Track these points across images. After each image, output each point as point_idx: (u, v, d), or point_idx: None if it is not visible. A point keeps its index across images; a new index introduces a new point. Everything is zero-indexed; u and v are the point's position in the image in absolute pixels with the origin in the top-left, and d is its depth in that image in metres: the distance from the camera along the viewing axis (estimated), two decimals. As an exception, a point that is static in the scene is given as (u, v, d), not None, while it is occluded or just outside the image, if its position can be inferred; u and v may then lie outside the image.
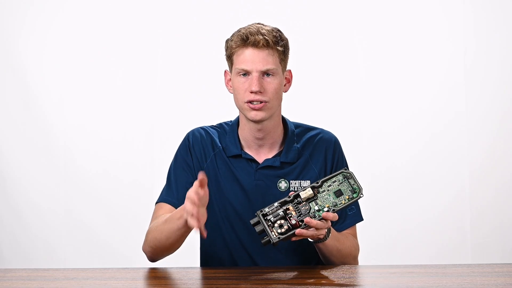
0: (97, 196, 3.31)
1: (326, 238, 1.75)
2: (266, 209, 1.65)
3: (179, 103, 3.32)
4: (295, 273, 1.74)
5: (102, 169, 3.32)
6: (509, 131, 3.21)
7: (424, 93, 3.25)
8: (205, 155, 1.93)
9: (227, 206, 1.89)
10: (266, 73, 1.81)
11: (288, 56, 1.88)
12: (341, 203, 1.67)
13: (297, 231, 1.62)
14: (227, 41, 1.87)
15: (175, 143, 2.00)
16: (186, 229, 1.73)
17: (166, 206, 1.90)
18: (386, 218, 3.21)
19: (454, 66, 3.24)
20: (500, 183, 3.20)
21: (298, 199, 1.67)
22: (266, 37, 1.80)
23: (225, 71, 1.92)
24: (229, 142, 1.92)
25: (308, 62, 3.19)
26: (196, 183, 1.61)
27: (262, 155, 1.91)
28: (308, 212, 1.66)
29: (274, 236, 1.63)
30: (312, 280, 1.63)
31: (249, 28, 1.82)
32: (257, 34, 1.80)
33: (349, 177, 1.69)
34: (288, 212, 1.66)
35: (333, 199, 1.67)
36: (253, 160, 1.90)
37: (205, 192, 1.62)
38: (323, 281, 1.63)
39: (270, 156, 1.91)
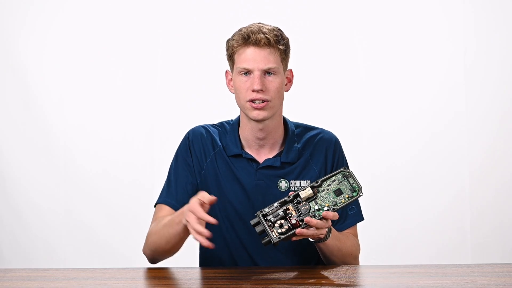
0: (97, 196, 3.31)
1: (327, 238, 1.75)
2: (266, 209, 1.65)
3: (179, 103, 3.32)
4: (295, 273, 1.74)
5: (102, 169, 3.32)
6: (509, 131, 3.21)
7: (424, 93, 3.25)
8: (205, 154, 1.93)
9: (227, 206, 1.89)
10: (267, 72, 1.81)
11: (289, 56, 1.88)
12: (341, 202, 1.67)
13: (298, 230, 1.62)
14: (228, 41, 1.87)
15: (175, 143, 2.00)
16: (185, 234, 1.73)
17: (166, 208, 1.90)
18: (386, 218, 3.21)
19: (454, 66, 3.24)
20: (500, 183, 3.20)
21: (298, 198, 1.67)
22: (268, 36, 1.80)
23: (226, 71, 1.92)
24: (229, 142, 1.92)
25: (308, 62, 3.19)
26: (204, 198, 1.63)
27: (262, 155, 1.91)
28: (308, 212, 1.66)
29: (275, 236, 1.63)
30: (312, 280, 1.63)
31: (250, 27, 1.82)
32: (259, 33, 1.80)
33: (348, 176, 1.69)
34: (288, 212, 1.65)
35: (333, 198, 1.67)
36: (253, 160, 1.90)
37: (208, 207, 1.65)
38: (323, 281, 1.63)
39: (270, 156, 1.91)
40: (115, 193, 3.31)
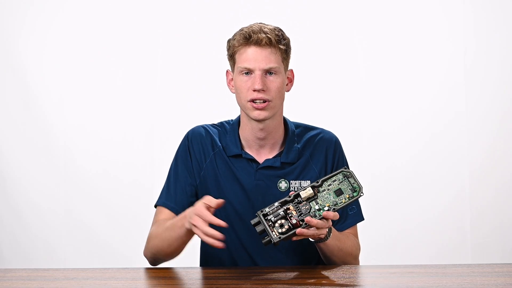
0: (97, 196, 3.31)
1: (327, 238, 1.75)
2: (267, 209, 1.65)
3: (179, 103, 3.32)
4: (296, 273, 1.74)
5: (102, 169, 3.32)
6: (509, 131, 3.21)
7: (424, 93, 3.25)
8: (204, 155, 1.93)
9: (227, 206, 1.89)
10: (268, 71, 1.81)
11: (290, 56, 1.88)
12: (342, 202, 1.67)
13: (298, 230, 1.62)
14: (229, 41, 1.87)
15: (175, 143, 2.00)
16: (187, 237, 1.75)
17: (166, 211, 1.91)
18: (386, 218, 3.21)
19: (454, 66, 3.24)
20: (500, 183, 3.20)
21: (299, 198, 1.67)
22: (269, 36, 1.80)
23: (226, 71, 1.92)
24: (229, 142, 1.92)
25: (308, 62, 3.19)
26: (211, 202, 1.64)
27: (262, 155, 1.91)
28: (309, 212, 1.66)
29: (275, 236, 1.63)
30: (312, 280, 1.63)
31: (252, 27, 1.83)
32: (260, 33, 1.80)
33: (349, 176, 1.69)
34: (288, 211, 1.65)
35: (334, 198, 1.67)
36: (253, 160, 1.90)
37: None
38: (324, 281, 1.63)
39: (270, 156, 1.91)
40: (115, 193, 3.31)
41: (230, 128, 1.95)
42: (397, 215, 3.23)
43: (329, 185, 1.68)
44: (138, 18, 3.33)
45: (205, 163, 1.92)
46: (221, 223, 1.61)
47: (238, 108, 1.90)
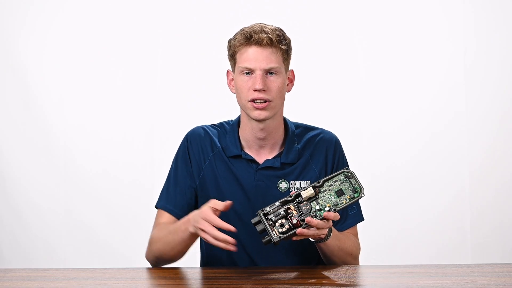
0: (97, 196, 3.31)
1: (328, 238, 1.75)
2: (267, 208, 1.65)
3: (179, 103, 3.32)
4: (296, 273, 1.74)
5: (102, 169, 3.32)
6: (509, 131, 3.21)
7: (424, 93, 3.25)
8: (203, 157, 1.93)
9: (227, 207, 1.89)
10: (269, 71, 1.81)
11: (290, 56, 1.88)
12: (342, 202, 1.67)
13: (298, 230, 1.62)
14: (229, 41, 1.87)
15: (175, 143, 2.00)
16: (191, 241, 1.77)
17: (166, 215, 1.92)
18: (386, 218, 3.21)
19: (454, 66, 3.24)
20: (500, 183, 3.20)
21: (300, 198, 1.67)
22: (270, 36, 1.80)
23: (227, 71, 1.92)
24: (229, 142, 1.92)
25: (308, 62, 3.18)
26: (218, 205, 1.66)
27: (262, 156, 1.91)
28: (309, 212, 1.66)
29: (275, 235, 1.63)
30: (312, 280, 1.63)
31: (253, 27, 1.83)
32: (261, 33, 1.80)
33: (350, 176, 1.69)
34: (289, 211, 1.65)
35: (335, 198, 1.67)
36: (253, 161, 1.90)
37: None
38: (324, 281, 1.63)
39: (270, 156, 1.91)
40: (115, 193, 3.31)
41: (229, 129, 1.94)
42: (397, 215, 3.23)
43: (330, 186, 1.68)
44: (138, 18, 3.33)
45: (204, 165, 1.92)
46: (230, 227, 1.63)
47: (238, 108, 1.90)
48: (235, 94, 1.88)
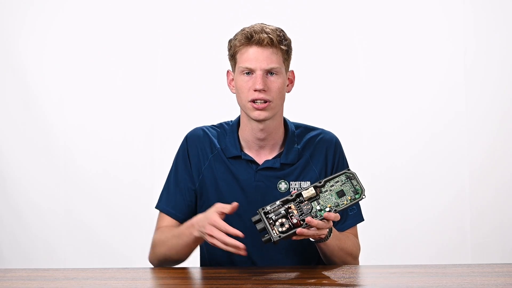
0: (97, 196, 3.31)
1: (328, 238, 1.75)
2: (268, 207, 1.66)
3: (179, 103, 3.32)
4: (296, 273, 1.74)
5: (102, 169, 3.32)
6: (509, 131, 3.21)
7: (424, 93, 3.25)
8: (203, 158, 1.93)
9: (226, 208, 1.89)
10: (270, 71, 1.81)
11: (291, 56, 1.88)
12: (343, 203, 1.66)
13: (298, 230, 1.62)
14: (230, 41, 1.87)
15: (175, 143, 2.00)
16: (195, 244, 1.78)
17: (168, 218, 1.93)
18: (386, 218, 3.21)
19: (454, 66, 3.24)
20: (500, 183, 3.20)
21: (300, 198, 1.67)
22: (271, 36, 1.80)
23: (227, 71, 1.92)
24: (228, 143, 1.92)
25: (308, 62, 3.18)
26: (225, 208, 1.67)
27: (262, 156, 1.91)
28: (310, 212, 1.66)
29: (275, 234, 1.63)
30: (312, 280, 1.63)
31: (253, 27, 1.83)
32: (261, 33, 1.80)
33: (352, 177, 1.68)
34: (289, 211, 1.66)
35: (335, 199, 1.67)
36: (253, 161, 1.90)
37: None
38: (324, 281, 1.63)
39: (270, 157, 1.90)
40: (115, 193, 3.31)
41: (229, 129, 1.94)
42: (397, 215, 3.23)
43: (331, 186, 1.68)
44: (138, 18, 3.33)
45: (203, 166, 1.92)
46: (238, 233, 1.63)
47: (238, 108, 1.90)
48: (235, 94, 1.88)
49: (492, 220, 3.20)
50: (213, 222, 1.65)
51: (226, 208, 1.67)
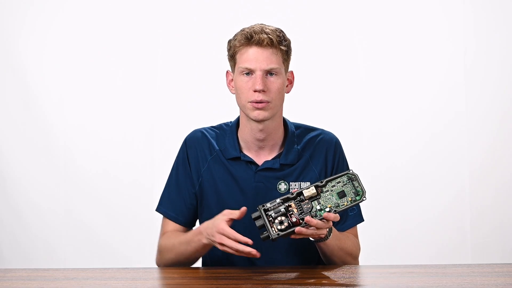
0: (97, 196, 3.30)
1: (328, 238, 1.75)
2: (268, 205, 1.66)
3: (179, 103, 3.32)
4: (296, 273, 1.74)
5: (102, 169, 3.32)
6: (509, 131, 3.21)
7: (424, 93, 3.25)
8: (202, 161, 1.93)
9: (226, 209, 1.88)
10: (269, 72, 1.81)
11: (290, 57, 1.88)
12: (343, 204, 1.66)
13: (297, 229, 1.62)
14: (229, 41, 1.87)
15: (175, 143, 2.00)
16: (205, 250, 1.80)
17: (171, 223, 1.94)
18: (386, 218, 3.21)
19: (454, 66, 3.24)
20: (500, 183, 3.20)
21: (301, 196, 1.67)
22: (270, 36, 1.80)
23: (227, 72, 1.92)
24: (228, 144, 1.92)
25: (308, 62, 3.18)
26: (233, 214, 1.68)
27: (262, 157, 1.91)
28: (310, 211, 1.66)
29: (274, 232, 1.63)
30: (312, 280, 1.63)
31: (253, 27, 1.83)
32: (261, 33, 1.80)
33: (353, 179, 1.68)
34: (289, 209, 1.66)
35: (336, 200, 1.67)
36: (252, 162, 1.90)
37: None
38: (324, 281, 1.63)
39: (270, 157, 1.90)
40: (115, 193, 3.31)
41: (228, 130, 1.94)
42: (397, 215, 3.23)
43: (332, 186, 1.68)
44: (138, 18, 3.33)
45: (203, 169, 1.92)
46: (248, 240, 1.64)
47: (238, 109, 1.90)
48: (234, 95, 1.88)
49: (492, 220, 3.20)
50: (221, 231, 1.67)
51: (235, 214, 1.68)
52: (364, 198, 1.67)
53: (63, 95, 3.33)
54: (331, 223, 1.68)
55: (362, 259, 1.95)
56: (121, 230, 3.29)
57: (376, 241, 3.13)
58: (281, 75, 1.83)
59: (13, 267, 3.06)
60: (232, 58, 1.86)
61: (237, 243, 1.65)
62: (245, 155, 1.90)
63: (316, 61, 3.26)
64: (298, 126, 1.96)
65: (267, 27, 1.83)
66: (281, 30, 1.85)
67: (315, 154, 1.92)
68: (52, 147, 3.31)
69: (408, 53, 3.26)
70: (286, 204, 1.66)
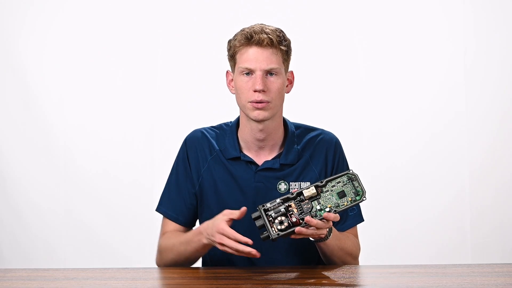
0: (97, 196, 3.31)
1: (328, 238, 1.75)
2: (268, 205, 1.66)
3: (179, 103, 3.32)
4: (296, 273, 1.74)
5: (102, 169, 3.32)
6: (509, 131, 3.21)
7: (424, 93, 3.25)
8: (202, 161, 1.93)
9: (225, 209, 1.89)
10: (269, 72, 1.81)
11: (290, 57, 1.88)
12: (344, 204, 1.67)
13: (297, 229, 1.62)
14: (229, 41, 1.87)
15: (175, 143, 2.00)
16: (205, 250, 1.80)
17: (172, 223, 1.94)
18: (386, 218, 3.21)
19: (454, 66, 3.24)
20: (500, 183, 3.20)
21: (301, 196, 1.67)
22: (270, 36, 1.80)
23: (227, 72, 1.92)
24: (228, 144, 1.92)
25: (308, 62, 3.18)
26: (233, 214, 1.68)
27: (262, 157, 1.91)
28: (310, 211, 1.66)
29: (274, 232, 1.63)
30: (312, 280, 1.63)
31: (253, 27, 1.83)
32: (261, 33, 1.80)
33: (354, 179, 1.68)
34: (289, 209, 1.66)
35: (336, 200, 1.67)
36: (252, 162, 1.90)
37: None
38: (324, 281, 1.63)
39: (270, 157, 1.90)
40: (115, 193, 3.31)
41: (228, 130, 1.94)
42: (397, 215, 3.23)
43: (332, 186, 1.68)
44: (138, 18, 3.33)
45: (203, 169, 1.92)
46: (248, 240, 1.64)
47: (238, 108, 1.90)
48: (234, 95, 1.88)
49: (492, 220, 3.20)
50: (221, 231, 1.67)
51: (235, 214, 1.68)
52: (364, 198, 1.67)
53: (63, 95, 3.33)
54: (331, 223, 1.68)
55: (362, 259, 1.95)
56: (121, 230, 3.29)
57: (376, 241, 3.13)
58: (281, 75, 1.83)
59: (13, 267, 3.06)
60: (232, 58, 1.86)
61: (237, 243, 1.65)
62: (245, 155, 1.90)
63: (316, 61, 3.26)
64: (298, 126, 1.96)
65: (267, 27, 1.83)
66: (281, 30, 1.85)
67: (315, 154, 1.92)
68: (52, 147, 3.31)
69: (408, 53, 3.26)
70: (286, 204, 1.66)
